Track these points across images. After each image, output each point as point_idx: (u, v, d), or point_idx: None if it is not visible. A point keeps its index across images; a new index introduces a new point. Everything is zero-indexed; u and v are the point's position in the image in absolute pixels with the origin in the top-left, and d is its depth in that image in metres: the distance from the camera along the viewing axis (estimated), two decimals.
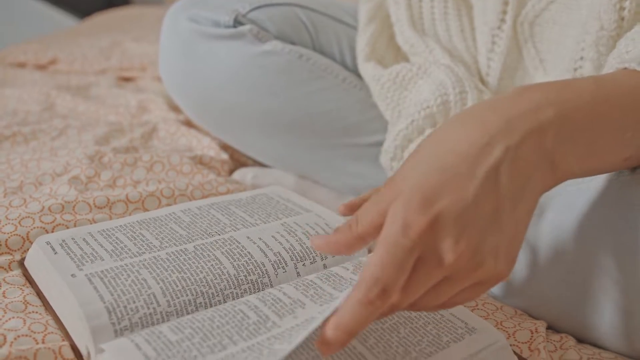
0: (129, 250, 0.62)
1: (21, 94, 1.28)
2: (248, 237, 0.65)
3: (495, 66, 0.80)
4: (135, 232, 0.65)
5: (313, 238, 0.48)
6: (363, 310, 0.42)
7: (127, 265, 0.59)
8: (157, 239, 0.64)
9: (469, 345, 0.54)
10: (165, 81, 0.99)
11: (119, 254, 0.61)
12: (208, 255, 0.62)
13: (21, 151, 0.98)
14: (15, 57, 1.60)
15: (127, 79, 1.50)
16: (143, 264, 0.59)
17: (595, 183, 0.57)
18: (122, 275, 0.58)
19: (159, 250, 0.62)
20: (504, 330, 0.60)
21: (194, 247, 0.63)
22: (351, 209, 0.62)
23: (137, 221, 0.68)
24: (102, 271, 0.58)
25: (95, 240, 0.63)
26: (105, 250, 0.61)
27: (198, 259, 0.61)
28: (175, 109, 1.21)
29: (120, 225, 0.66)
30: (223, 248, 0.63)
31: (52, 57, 1.57)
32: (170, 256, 0.61)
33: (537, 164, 0.46)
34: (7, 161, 0.92)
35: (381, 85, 0.85)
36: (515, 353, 0.56)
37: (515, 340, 0.59)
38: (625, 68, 0.52)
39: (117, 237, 0.64)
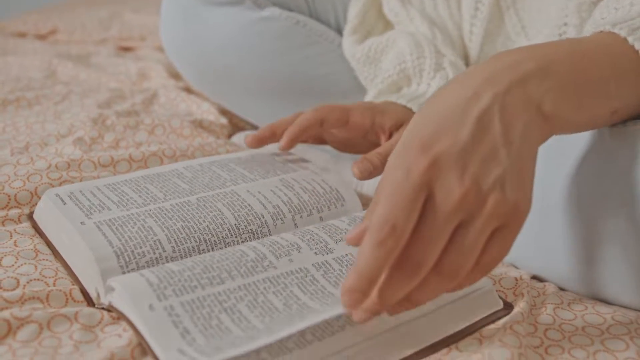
0: (135, 201, 0.65)
1: (23, 62, 1.31)
2: (248, 191, 0.68)
3: (478, 32, 0.83)
4: (140, 186, 0.68)
5: (348, 236, 0.47)
6: (377, 252, 0.43)
7: (133, 215, 0.62)
8: (161, 191, 0.67)
9: None
10: (165, 46, 1.02)
11: (125, 204, 0.64)
12: (210, 206, 0.65)
13: (25, 115, 1.00)
14: (16, 27, 1.62)
15: (126, 49, 1.52)
16: (148, 214, 0.63)
17: (583, 136, 0.60)
18: (129, 223, 0.61)
19: (163, 202, 0.65)
20: (490, 278, 0.63)
21: (197, 199, 0.66)
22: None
23: (141, 176, 0.71)
24: (109, 219, 0.61)
25: (102, 192, 0.66)
26: (112, 201, 0.65)
27: (201, 209, 0.64)
28: (175, 76, 1.24)
29: (126, 180, 0.69)
30: (224, 200, 0.66)
31: (52, 27, 1.59)
32: (174, 207, 0.64)
33: (526, 111, 0.48)
34: (13, 124, 0.95)
35: (357, 60, 0.89)
36: (500, 298, 0.59)
37: (501, 286, 0.62)
38: (601, 32, 0.55)
39: (122, 190, 0.67)
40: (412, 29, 0.87)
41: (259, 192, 0.68)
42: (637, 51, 0.52)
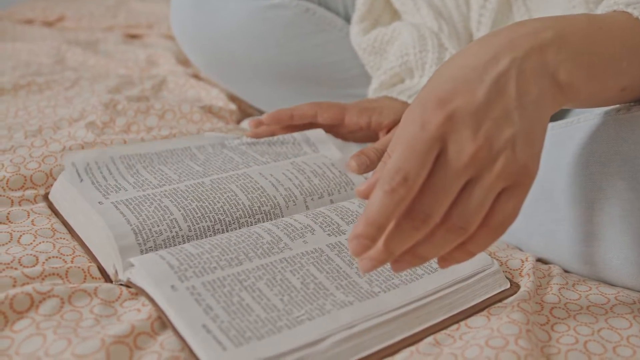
0: (150, 182, 0.66)
1: (32, 48, 1.32)
2: (260, 174, 0.70)
3: (486, 22, 0.84)
4: (154, 167, 0.70)
5: (358, 188, 0.48)
6: (387, 200, 0.44)
7: (149, 195, 0.64)
8: (175, 173, 0.69)
9: (465, 268, 0.59)
10: (175, 33, 1.03)
11: (140, 185, 0.66)
12: (224, 187, 0.66)
13: (37, 99, 1.01)
14: (23, 14, 1.63)
15: (133, 37, 1.53)
16: (164, 194, 0.64)
17: (589, 121, 0.61)
18: (146, 203, 0.62)
19: (177, 183, 0.67)
20: (497, 259, 0.65)
21: (211, 180, 0.68)
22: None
23: (155, 152, 0.72)
24: (126, 199, 0.63)
25: (118, 170, 0.67)
26: (128, 182, 0.66)
27: (215, 191, 0.66)
28: (183, 62, 1.25)
29: (140, 154, 0.71)
30: (237, 182, 0.68)
31: (59, 14, 1.60)
32: (189, 188, 0.66)
33: (542, 78, 0.49)
34: (25, 107, 0.96)
35: (362, 50, 0.90)
36: (507, 278, 0.61)
37: (507, 267, 0.64)
38: (615, 11, 0.56)
39: (137, 170, 0.68)
40: (418, 20, 0.88)
41: (271, 175, 0.70)
42: None
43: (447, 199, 0.45)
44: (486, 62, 0.48)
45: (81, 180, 0.65)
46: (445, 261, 0.49)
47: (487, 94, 0.47)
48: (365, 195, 0.48)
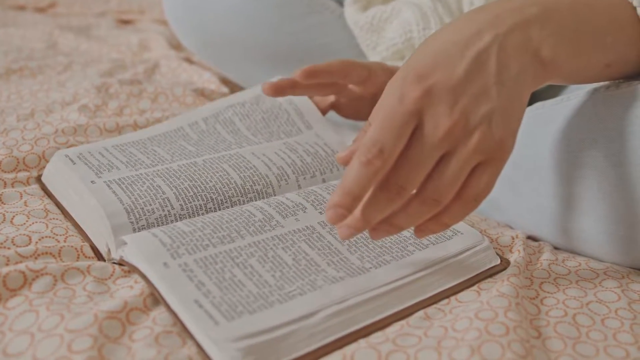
0: (143, 162, 0.66)
1: (24, 33, 1.32)
2: (253, 153, 0.70)
3: (478, 2, 0.84)
4: (147, 148, 0.70)
5: (338, 155, 0.51)
6: (363, 171, 0.46)
7: (141, 175, 0.64)
8: (167, 153, 0.69)
9: (455, 245, 0.59)
10: (167, 15, 1.03)
11: (133, 165, 0.66)
12: (216, 167, 0.67)
13: (29, 84, 1.01)
14: (15, 0, 1.63)
15: (126, 22, 1.53)
16: (157, 174, 0.64)
17: (578, 99, 0.62)
18: (138, 182, 0.63)
19: (170, 163, 0.67)
20: (488, 236, 0.65)
21: (203, 160, 0.68)
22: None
23: (147, 137, 0.72)
24: (119, 179, 0.63)
25: (111, 153, 0.68)
26: (121, 161, 0.66)
27: (207, 170, 0.66)
28: (176, 47, 1.25)
29: (133, 141, 0.71)
30: (230, 162, 0.68)
31: (51, 1, 1.60)
32: (182, 167, 0.66)
33: (524, 54, 0.50)
34: (17, 92, 0.96)
35: (360, 28, 0.90)
36: (497, 254, 0.61)
37: (498, 244, 0.64)
38: None
39: (130, 152, 0.69)
40: (414, 0, 0.88)
41: (264, 155, 0.70)
42: (635, 7, 0.54)
43: (422, 172, 0.47)
44: (468, 37, 0.49)
45: (74, 164, 0.65)
46: (420, 231, 0.51)
47: (466, 70, 0.48)
48: (345, 162, 0.50)
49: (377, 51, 0.88)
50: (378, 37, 0.89)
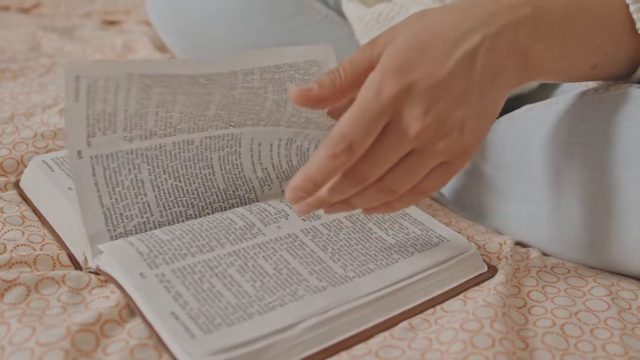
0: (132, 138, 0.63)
1: (7, 34, 1.29)
2: (252, 139, 0.65)
3: None
4: (134, 122, 0.65)
5: (292, 89, 0.49)
6: (328, 163, 0.46)
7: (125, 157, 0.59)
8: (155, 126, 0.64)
9: (442, 252, 0.58)
10: (151, 16, 1.02)
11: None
12: (206, 156, 0.63)
13: (10, 86, 0.99)
14: None
15: (111, 23, 1.51)
16: (144, 151, 0.59)
17: (567, 101, 0.60)
18: (118, 185, 0.60)
19: (162, 138, 0.61)
20: (475, 243, 0.64)
21: (201, 139, 0.63)
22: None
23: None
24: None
25: None
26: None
27: (196, 162, 0.62)
28: (161, 48, 1.23)
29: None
30: (222, 150, 0.63)
31: (35, 1, 1.57)
32: (175, 147, 0.61)
33: (510, 56, 0.49)
34: None
35: (365, 24, 0.88)
36: (484, 261, 0.60)
37: (485, 251, 0.63)
38: None
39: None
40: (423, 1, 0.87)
41: (259, 145, 0.65)
42: (628, 5, 0.53)
43: (385, 166, 0.48)
44: (459, 36, 0.48)
45: (52, 170, 0.63)
46: (369, 212, 0.54)
47: (450, 71, 0.47)
48: (298, 101, 0.49)
49: None
50: None
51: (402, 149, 0.47)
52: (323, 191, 0.49)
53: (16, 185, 0.68)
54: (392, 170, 0.49)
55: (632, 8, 0.53)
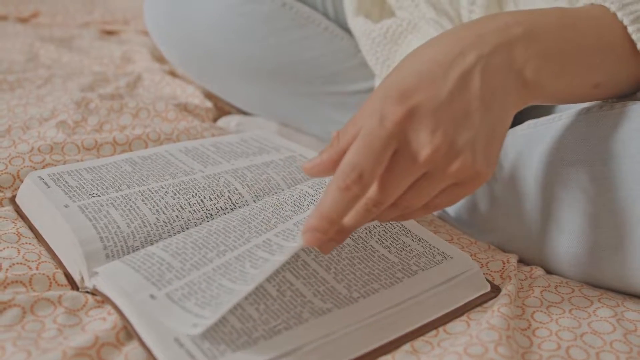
0: (119, 185, 0.64)
1: (4, 44, 1.29)
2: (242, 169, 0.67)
3: (476, 18, 0.82)
4: (123, 169, 0.67)
5: (304, 164, 0.50)
6: (341, 196, 0.45)
7: (118, 197, 0.61)
8: (149, 173, 0.66)
9: (445, 271, 0.57)
10: (149, 28, 1.01)
11: (109, 187, 0.63)
12: (218, 180, 0.65)
13: (7, 98, 0.98)
14: None
15: (110, 33, 1.50)
16: (135, 196, 0.62)
17: (565, 119, 0.60)
18: (114, 205, 0.60)
19: (149, 184, 0.64)
20: (478, 261, 0.63)
21: (203, 176, 0.65)
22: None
23: (124, 159, 0.70)
24: (93, 202, 0.60)
25: (84, 176, 0.65)
26: (96, 184, 0.64)
27: (190, 190, 0.64)
28: (159, 59, 1.23)
29: (109, 163, 0.68)
30: (212, 184, 0.65)
31: (33, 11, 1.57)
32: (162, 188, 0.63)
33: (508, 75, 0.49)
34: None
35: (372, 39, 0.87)
36: (487, 280, 0.59)
37: (488, 269, 0.62)
38: (592, 4, 0.55)
39: (107, 174, 0.66)
40: (417, 14, 0.86)
41: (253, 184, 0.67)
42: (625, 27, 0.52)
43: (400, 190, 0.47)
44: (452, 58, 0.48)
45: (48, 187, 0.63)
46: (383, 220, 0.52)
47: (449, 91, 0.47)
48: (311, 173, 0.49)
49: (386, 64, 0.86)
50: (389, 50, 0.86)
51: (413, 175, 0.47)
52: (342, 224, 0.48)
53: (12, 200, 0.67)
54: (405, 193, 0.48)
55: (630, 29, 0.52)
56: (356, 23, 0.89)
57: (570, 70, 0.52)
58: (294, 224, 0.58)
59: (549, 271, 0.64)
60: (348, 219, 0.48)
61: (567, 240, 0.59)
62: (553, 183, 0.59)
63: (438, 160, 0.46)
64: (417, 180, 0.47)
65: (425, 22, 0.83)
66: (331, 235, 0.47)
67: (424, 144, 0.45)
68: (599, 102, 0.59)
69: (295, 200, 0.61)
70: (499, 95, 0.48)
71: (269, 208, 0.60)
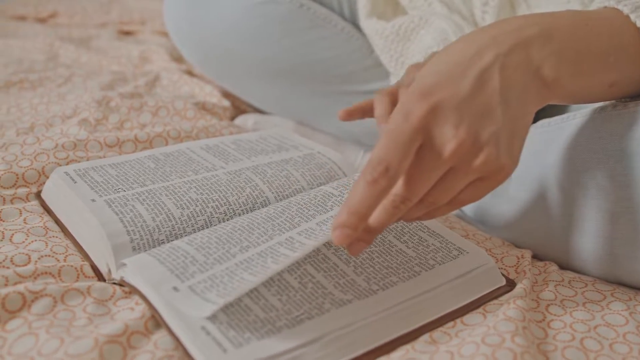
0: (144, 180, 0.66)
1: (25, 44, 1.31)
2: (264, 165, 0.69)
3: (489, 19, 0.84)
4: (146, 165, 0.69)
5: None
6: (369, 190, 0.45)
7: (143, 192, 0.63)
8: (172, 170, 0.68)
9: (461, 265, 0.59)
10: (169, 29, 1.03)
11: (135, 182, 0.65)
12: (239, 177, 0.67)
13: (29, 96, 1.01)
14: (16, 10, 1.62)
15: (126, 33, 1.52)
16: (159, 191, 0.63)
17: (585, 117, 0.61)
18: (140, 200, 0.62)
19: (173, 180, 0.66)
20: (493, 256, 0.64)
21: (203, 177, 0.67)
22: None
23: (146, 156, 0.71)
24: (120, 197, 0.62)
25: (108, 172, 0.67)
26: (122, 180, 0.65)
27: (212, 186, 0.66)
28: (177, 59, 1.24)
29: (131, 160, 0.70)
30: (236, 179, 0.67)
31: (52, 11, 1.59)
32: (185, 184, 0.65)
33: (526, 73, 0.50)
34: (17, 105, 0.96)
35: (385, 38, 0.89)
36: (502, 275, 0.60)
37: (503, 264, 0.64)
38: (605, 7, 0.56)
39: (132, 169, 0.68)
40: (430, 12, 0.88)
41: (274, 179, 0.69)
42: (638, 28, 0.53)
43: (427, 186, 0.48)
44: (470, 57, 0.49)
45: (75, 182, 0.64)
46: (409, 219, 0.53)
47: (470, 88, 0.48)
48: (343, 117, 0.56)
49: (400, 61, 0.87)
50: (402, 47, 0.88)
51: (439, 169, 0.47)
52: (370, 223, 0.48)
53: (38, 195, 0.69)
54: (432, 189, 0.49)
55: None
56: (368, 24, 0.91)
57: (586, 69, 0.53)
58: (317, 224, 0.59)
59: (565, 267, 0.65)
60: (376, 218, 0.48)
61: (584, 236, 0.61)
62: (568, 181, 0.61)
63: (463, 154, 0.47)
64: (443, 175, 0.48)
65: (437, 17, 0.84)
66: (360, 231, 0.47)
67: (449, 138, 0.46)
68: (612, 101, 0.60)
69: (319, 201, 0.63)
70: (518, 92, 0.49)
71: (293, 207, 0.62)
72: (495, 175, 0.49)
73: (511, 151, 0.49)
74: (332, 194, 0.64)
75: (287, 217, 0.60)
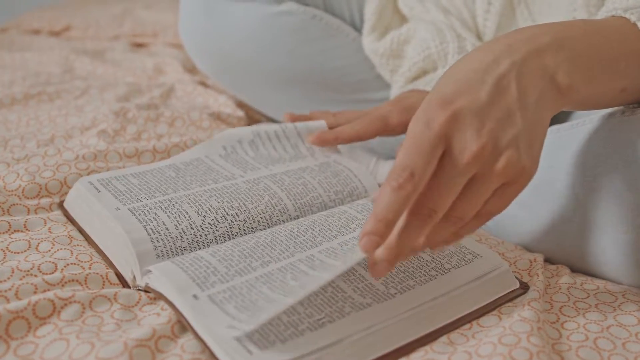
0: (167, 189, 0.68)
1: (41, 57, 1.33)
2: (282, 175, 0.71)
3: (491, 25, 0.86)
4: (166, 174, 0.71)
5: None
6: (395, 196, 0.46)
7: (166, 200, 0.65)
8: (193, 179, 0.70)
9: (476, 269, 0.60)
10: (184, 40, 1.05)
11: (157, 191, 0.67)
12: (254, 188, 0.69)
13: (47, 108, 1.03)
14: (30, 24, 1.65)
15: (139, 45, 1.54)
16: (181, 200, 0.65)
17: (594, 123, 0.62)
18: (163, 208, 0.63)
19: (195, 188, 0.68)
20: (506, 260, 0.66)
21: (223, 186, 0.69)
22: None
23: (167, 165, 0.73)
24: (143, 205, 0.64)
25: (132, 182, 0.69)
26: (144, 189, 0.67)
27: (247, 190, 0.68)
28: (190, 70, 1.26)
29: (153, 169, 0.72)
30: (256, 186, 0.69)
31: (66, 24, 1.62)
32: (206, 192, 0.67)
33: (541, 80, 0.51)
34: (36, 117, 0.98)
35: (380, 56, 0.92)
36: (516, 278, 0.62)
37: (516, 268, 0.65)
38: (613, 16, 0.58)
39: (154, 179, 0.70)
40: (429, 18, 0.90)
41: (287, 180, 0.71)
42: None
43: (452, 195, 0.48)
44: (487, 65, 0.51)
45: (99, 191, 0.66)
46: (437, 246, 0.51)
47: (489, 94, 0.49)
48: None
49: (399, 73, 0.89)
50: (399, 61, 0.90)
51: (463, 175, 0.48)
52: (393, 238, 0.48)
53: (60, 205, 0.71)
54: (458, 199, 0.49)
55: None
56: (365, 44, 0.94)
57: (599, 75, 0.54)
58: (339, 244, 0.61)
59: (577, 270, 0.66)
60: (404, 236, 0.48)
61: (598, 240, 0.62)
62: (580, 186, 0.62)
63: (485, 158, 0.48)
64: (467, 185, 0.49)
65: (420, 26, 0.86)
66: (387, 237, 0.47)
67: (471, 142, 0.47)
68: (620, 107, 0.62)
69: (342, 223, 0.64)
70: (535, 99, 0.51)
71: (316, 227, 0.63)
72: (518, 178, 0.49)
73: (531, 154, 0.50)
74: (355, 217, 0.66)
75: (310, 235, 0.62)
